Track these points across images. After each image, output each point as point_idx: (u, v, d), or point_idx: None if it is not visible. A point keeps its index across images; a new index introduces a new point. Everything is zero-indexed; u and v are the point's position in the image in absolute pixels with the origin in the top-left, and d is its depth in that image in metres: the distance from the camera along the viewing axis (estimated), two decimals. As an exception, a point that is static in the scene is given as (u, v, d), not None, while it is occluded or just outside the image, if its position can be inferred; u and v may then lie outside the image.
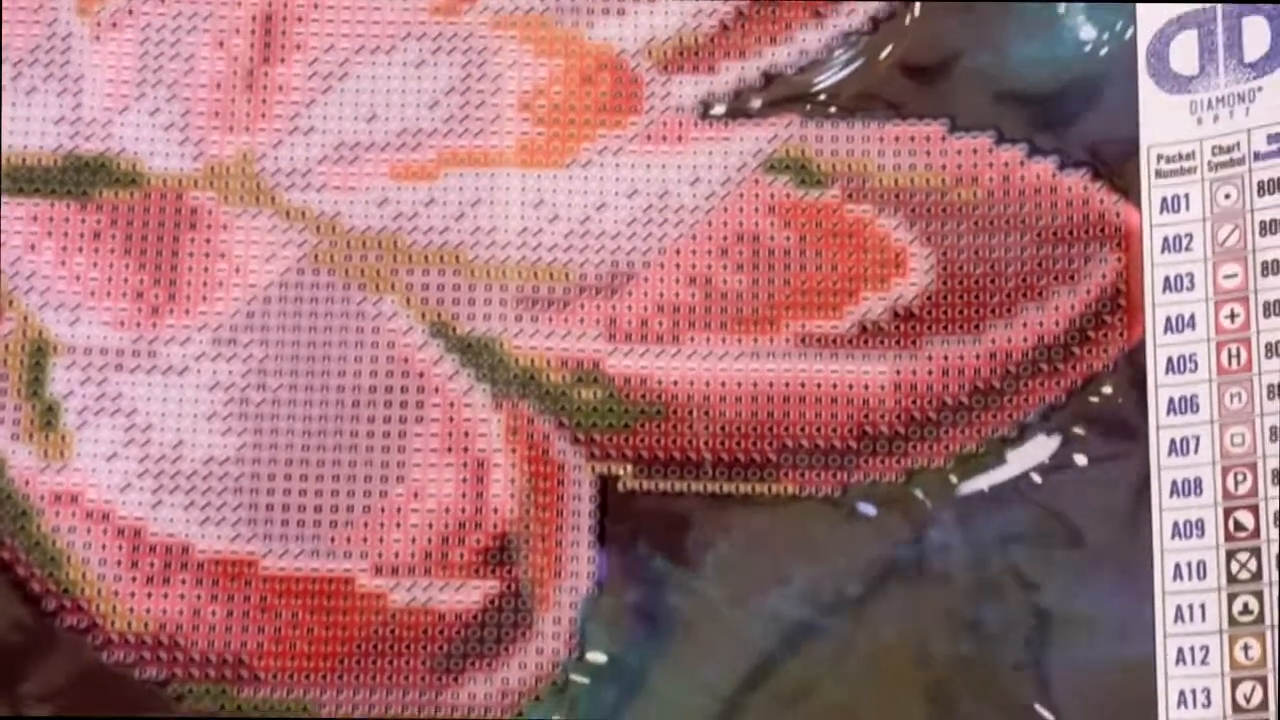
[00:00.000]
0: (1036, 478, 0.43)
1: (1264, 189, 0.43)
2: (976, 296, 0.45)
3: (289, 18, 0.47)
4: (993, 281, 0.45)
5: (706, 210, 0.46)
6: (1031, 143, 0.45)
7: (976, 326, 0.44)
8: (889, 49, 0.46)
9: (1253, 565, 0.41)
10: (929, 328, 0.45)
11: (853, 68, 0.46)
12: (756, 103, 0.46)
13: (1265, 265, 0.42)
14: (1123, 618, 0.42)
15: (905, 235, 0.45)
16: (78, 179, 0.46)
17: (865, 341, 0.45)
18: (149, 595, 0.44)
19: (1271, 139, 0.43)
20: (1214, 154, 0.43)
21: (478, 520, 0.44)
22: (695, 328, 0.45)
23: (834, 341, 0.45)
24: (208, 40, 0.47)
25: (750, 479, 0.44)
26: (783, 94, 0.46)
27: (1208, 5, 0.44)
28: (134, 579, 0.44)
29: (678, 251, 0.45)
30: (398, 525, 0.44)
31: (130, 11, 0.47)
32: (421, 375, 0.45)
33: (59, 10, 0.47)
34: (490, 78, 0.46)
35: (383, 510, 0.44)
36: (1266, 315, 0.42)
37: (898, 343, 0.45)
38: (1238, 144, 0.43)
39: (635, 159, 0.46)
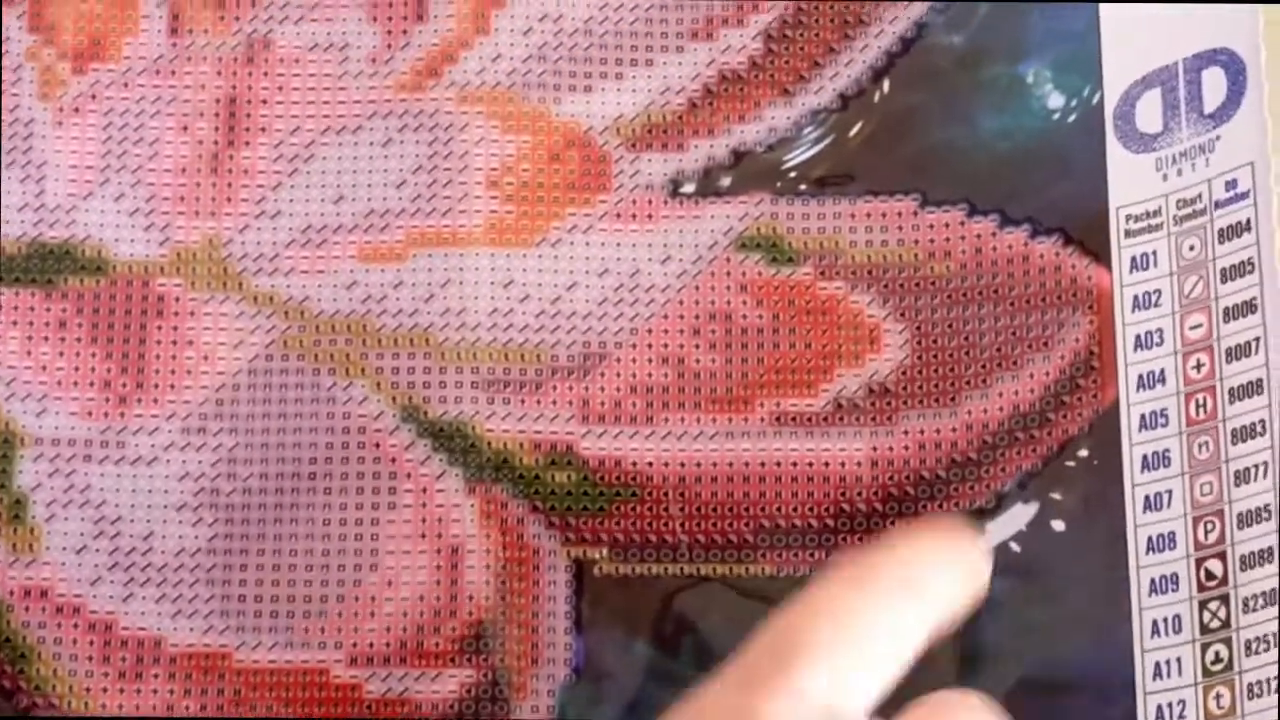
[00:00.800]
0: (1015, 547, 0.43)
1: (1224, 235, 0.43)
2: (952, 369, 0.44)
3: (253, 100, 0.46)
4: (967, 354, 0.45)
5: (678, 289, 0.45)
6: (1003, 213, 0.45)
7: (952, 399, 0.44)
8: (858, 126, 0.46)
9: (1222, 613, 0.41)
10: (905, 403, 0.44)
11: (822, 145, 0.46)
12: (726, 180, 0.46)
13: (1227, 311, 0.42)
14: (1102, 679, 0.42)
15: (879, 311, 0.45)
16: (42, 267, 0.45)
17: (841, 419, 0.44)
18: (121, 691, 0.43)
19: (1229, 185, 0.43)
20: (1178, 208, 0.43)
21: (453, 608, 0.43)
22: (669, 408, 0.45)
23: (809, 420, 0.44)
24: (172, 124, 0.46)
25: (728, 560, 0.44)
26: (752, 172, 0.46)
27: (1169, 62, 0.44)
28: (106, 674, 0.43)
29: (650, 331, 0.45)
30: (372, 614, 0.44)
31: (93, 96, 0.46)
32: (393, 461, 0.44)
33: (20, 96, 0.46)
34: (457, 155, 0.46)
35: (356, 599, 0.44)
36: (1229, 360, 0.42)
37: (874, 419, 0.44)
38: (1199, 195, 0.43)
39: (605, 237, 0.46)
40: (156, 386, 0.45)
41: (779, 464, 0.44)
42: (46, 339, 0.45)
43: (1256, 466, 0.41)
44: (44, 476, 0.44)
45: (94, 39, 0.47)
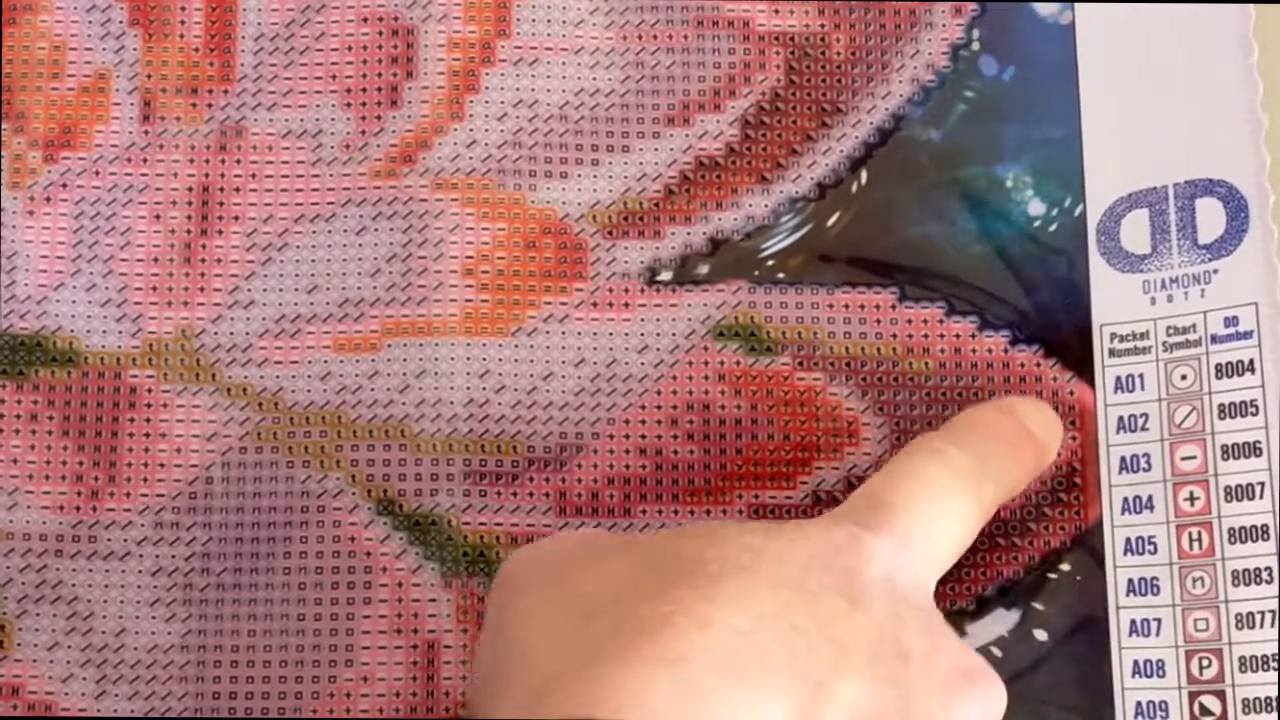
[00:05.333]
0: (997, 651, 0.43)
1: (1222, 372, 0.42)
2: (931, 468, 0.44)
3: (226, 188, 0.46)
4: (947, 454, 0.44)
5: (655, 379, 0.45)
6: (982, 316, 0.45)
7: (931, 497, 0.44)
8: (836, 216, 0.46)
9: None
10: (883, 499, 0.44)
11: (800, 234, 0.46)
12: (703, 269, 0.46)
13: (1225, 449, 0.42)
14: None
15: (858, 404, 0.45)
16: (13, 358, 0.45)
17: (819, 512, 0.44)
18: (94, 792, 0.43)
19: (1229, 322, 0.43)
20: (1169, 334, 0.43)
21: (429, 705, 0.43)
22: (646, 500, 0.44)
23: (788, 512, 0.44)
24: (144, 213, 0.46)
25: (706, 655, 0.43)
26: (730, 260, 0.46)
27: (1158, 185, 0.44)
28: (78, 774, 0.43)
29: (627, 422, 0.45)
30: (347, 711, 0.43)
31: (64, 185, 0.46)
32: (369, 554, 0.44)
33: (-10, 184, 0.46)
34: (432, 243, 0.45)
35: (332, 696, 0.43)
36: (1229, 500, 0.42)
37: (852, 513, 0.44)
38: (1194, 325, 0.43)
39: (582, 326, 0.45)
40: (129, 480, 0.44)
41: (757, 557, 0.44)
42: (17, 431, 0.45)
43: (1261, 613, 0.41)
44: (15, 571, 0.44)
45: (65, 127, 0.46)
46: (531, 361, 0.45)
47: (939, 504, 0.39)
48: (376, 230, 0.46)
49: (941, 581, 0.43)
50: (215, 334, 0.45)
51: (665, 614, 0.34)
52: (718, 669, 0.34)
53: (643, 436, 0.45)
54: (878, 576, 0.37)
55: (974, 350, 0.45)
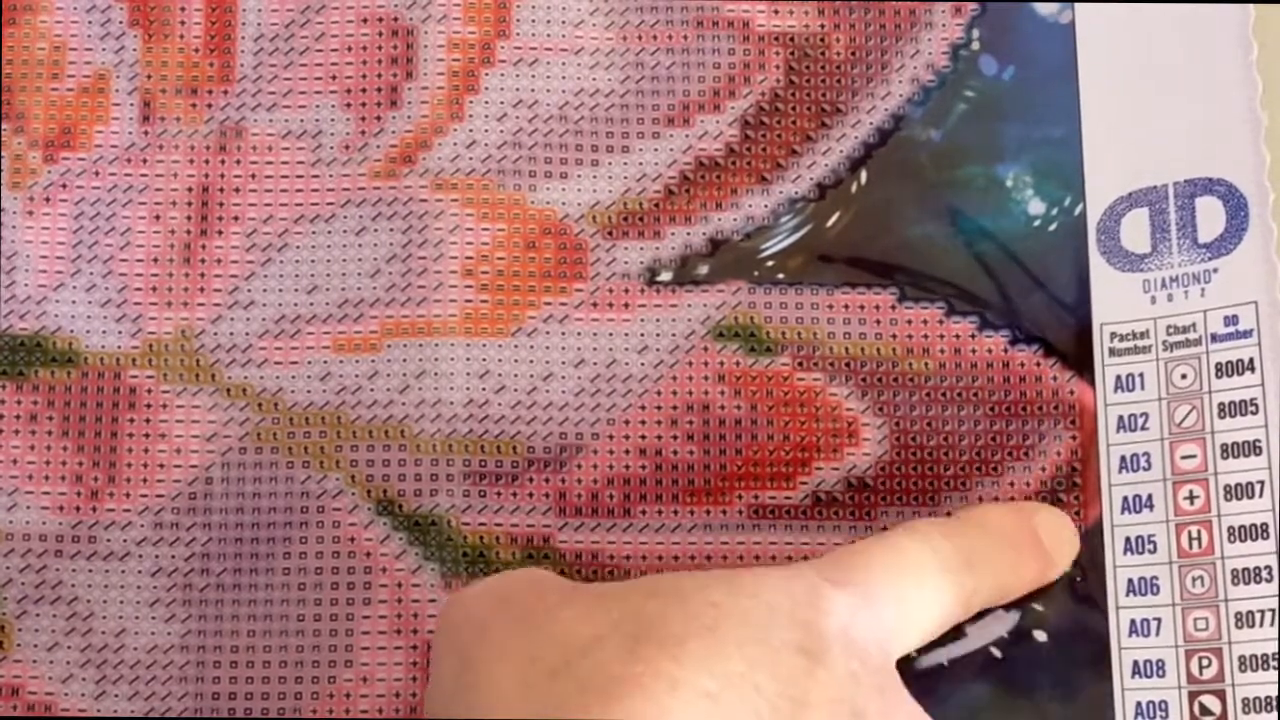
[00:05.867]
0: (996, 652, 0.43)
1: (1222, 371, 0.42)
2: (931, 468, 0.44)
3: (226, 189, 0.46)
4: (947, 454, 0.44)
5: (655, 379, 0.45)
6: (982, 316, 0.45)
7: (932, 499, 0.44)
8: (836, 216, 0.46)
9: None
10: (884, 499, 0.44)
11: (800, 234, 0.46)
12: (703, 269, 0.46)
13: (1225, 448, 0.42)
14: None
15: (857, 404, 0.45)
16: (13, 359, 0.45)
17: (819, 512, 0.44)
18: (93, 792, 0.43)
19: (1229, 321, 0.43)
20: (1169, 333, 0.43)
21: (426, 693, 0.43)
22: (646, 500, 0.44)
23: (787, 513, 0.44)
24: (144, 214, 0.46)
25: (706, 655, 0.43)
26: (730, 260, 0.46)
27: (1158, 184, 0.44)
28: (78, 775, 0.43)
29: (627, 422, 0.45)
30: (347, 711, 0.43)
31: (64, 186, 0.46)
32: (368, 555, 0.44)
33: (-11, 185, 0.46)
34: (432, 244, 0.45)
35: (331, 696, 0.43)
36: (1228, 498, 0.42)
37: (852, 514, 0.44)
38: (1194, 325, 0.43)
39: (582, 327, 0.45)
40: (128, 480, 0.44)
41: (757, 557, 0.44)
42: (17, 432, 0.45)
43: (1261, 612, 0.41)
44: (15, 572, 0.44)
45: (65, 127, 0.46)
46: (531, 362, 0.45)
47: (913, 578, 0.39)
48: (376, 231, 0.46)
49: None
50: (215, 334, 0.45)
51: (635, 674, 0.34)
52: None
53: (643, 437, 0.45)
54: (835, 630, 0.37)
55: (974, 350, 0.45)
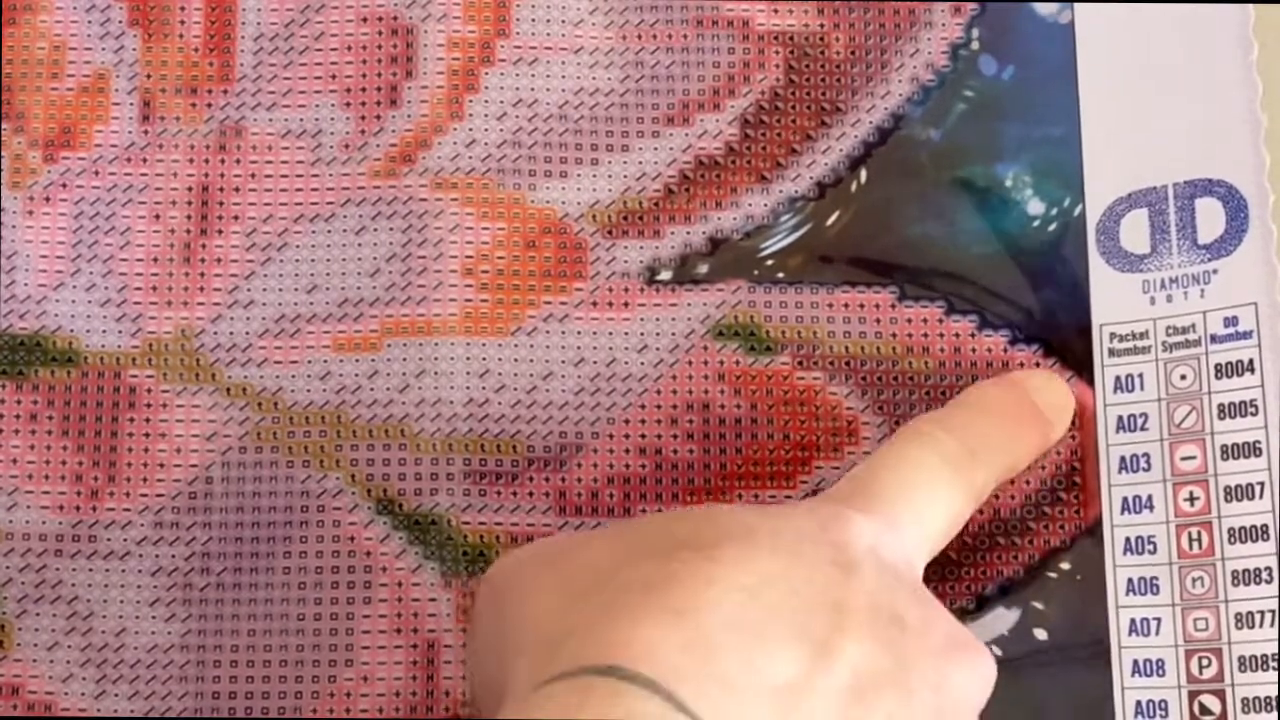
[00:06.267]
0: (996, 651, 0.43)
1: (1222, 372, 0.42)
2: (931, 468, 0.44)
3: (226, 188, 0.46)
4: (947, 454, 0.44)
5: (655, 378, 0.45)
6: (982, 315, 0.45)
7: (931, 498, 0.44)
8: (836, 215, 0.46)
9: None
10: (883, 498, 0.44)
11: (800, 234, 0.46)
12: (703, 268, 0.46)
13: (1225, 449, 0.42)
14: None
15: (857, 403, 0.45)
16: (13, 358, 0.45)
17: (819, 511, 0.44)
18: (94, 791, 0.43)
19: (1228, 322, 0.43)
20: (1168, 334, 0.43)
21: (429, 704, 0.43)
22: (646, 499, 0.44)
23: (788, 512, 0.44)
24: (143, 213, 0.46)
25: (706, 654, 0.43)
26: (730, 259, 0.46)
27: (1158, 185, 0.44)
28: (78, 774, 0.43)
29: (627, 421, 0.45)
30: (347, 711, 0.43)
31: (63, 185, 0.46)
32: (369, 554, 0.44)
33: (-11, 185, 0.46)
34: (432, 243, 0.45)
35: (332, 695, 0.43)
36: (1229, 500, 0.42)
37: (852, 513, 0.44)
38: (1193, 325, 0.43)
39: (581, 326, 0.45)
40: (128, 480, 0.44)
41: (757, 556, 0.44)
42: (17, 431, 0.45)
43: (1260, 613, 0.41)
44: (15, 571, 0.44)
45: (65, 127, 0.46)
46: (531, 361, 0.45)
47: (925, 488, 0.40)
48: (376, 230, 0.46)
49: (941, 580, 0.43)
50: (215, 334, 0.45)
51: (671, 571, 0.35)
52: (726, 623, 0.34)
53: (643, 436, 0.45)
54: (865, 549, 0.37)
55: (974, 350, 0.45)
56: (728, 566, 0.35)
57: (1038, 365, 0.45)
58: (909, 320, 0.45)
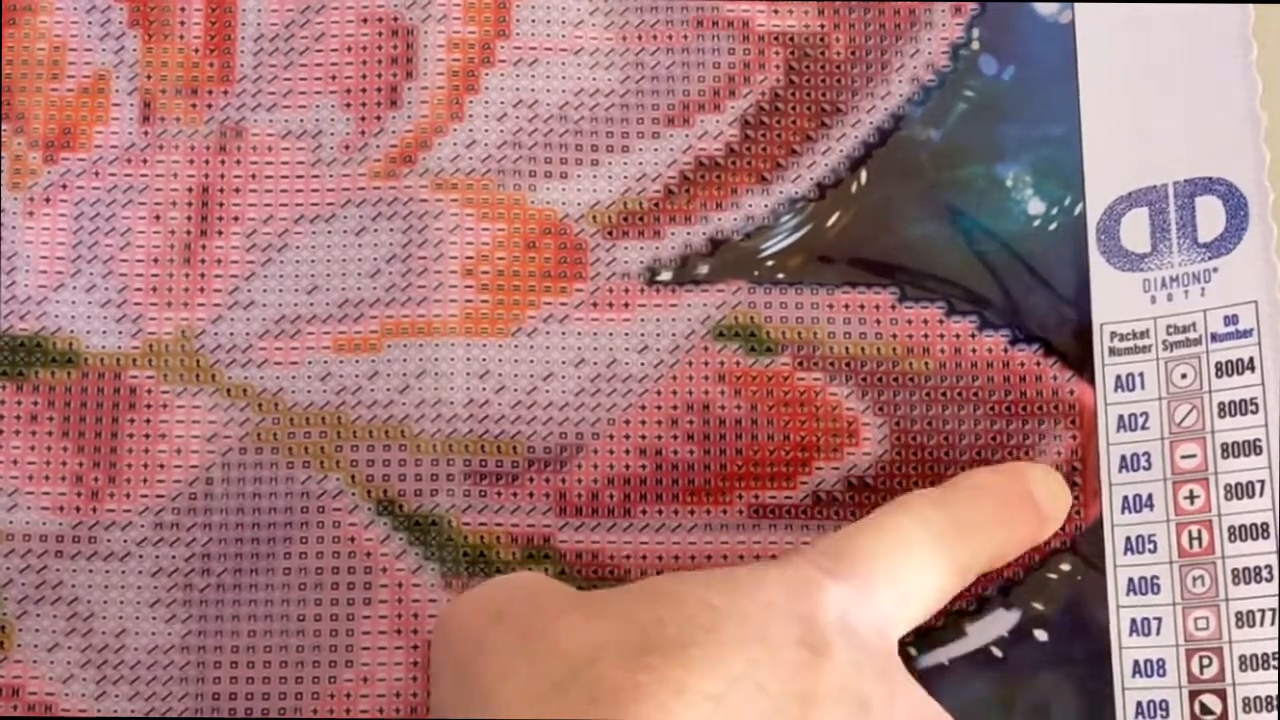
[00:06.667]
0: (997, 651, 0.43)
1: (1222, 370, 0.42)
2: (931, 468, 0.44)
3: (226, 189, 0.46)
4: (947, 453, 0.44)
5: (655, 379, 0.45)
6: (982, 315, 0.45)
7: (932, 498, 0.44)
8: (836, 216, 0.46)
9: None
10: (884, 498, 0.44)
11: (800, 234, 0.46)
12: (703, 269, 0.46)
13: (1225, 447, 0.42)
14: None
15: (858, 404, 0.45)
16: (13, 359, 0.45)
17: (820, 512, 0.44)
18: (94, 792, 0.43)
19: (1229, 320, 0.43)
20: (1169, 333, 0.43)
21: (429, 705, 0.43)
22: (646, 500, 0.44)
23: (788, 512, 0.44)
24: (144, 214, 0.46)
25: (706, 654, 0.43)
26: (730, 260, 0.46)
27: (1158, 183, 0.44)
28: (78, 775, 0.43)
29: (627, 422, 0.45)
30: (347, 711, 0.43)
31: (64, 186, 0.46)
32: (369, 555, 0.44)
33: (-11, 186, 0.46)
34: (432, 244, 0.45)
35: (332, 696, 0.43)
36: (1228, 498, 0.42)
37: (852, 514, 0.44)
38: (1194, 324, 0.43)
39: (582, 327, 0.45)
40: (129, 481, 0.44)
41: (757, 556, 0.44)
42: (17, 433, 0.45)
43: (1261, 611, 0.41)
44: (15, 572, 0.44)
45: (65, 128, 0.46)
46: (531, 362, 0.45)
47: (904, 554, 0.39)
48: (376, 231, 0.46)
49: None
50: (215, 334, 0.45)
51: (640, 683, 0.35)
52: None
53: (643, 436, 0.45)
54: (834, 621, 0.37)
55: (974, 350, 0.45)
56: (695, 674, 0.35)
57: (1038, 365, 0.45)
58: (909, 321, 0.45)
